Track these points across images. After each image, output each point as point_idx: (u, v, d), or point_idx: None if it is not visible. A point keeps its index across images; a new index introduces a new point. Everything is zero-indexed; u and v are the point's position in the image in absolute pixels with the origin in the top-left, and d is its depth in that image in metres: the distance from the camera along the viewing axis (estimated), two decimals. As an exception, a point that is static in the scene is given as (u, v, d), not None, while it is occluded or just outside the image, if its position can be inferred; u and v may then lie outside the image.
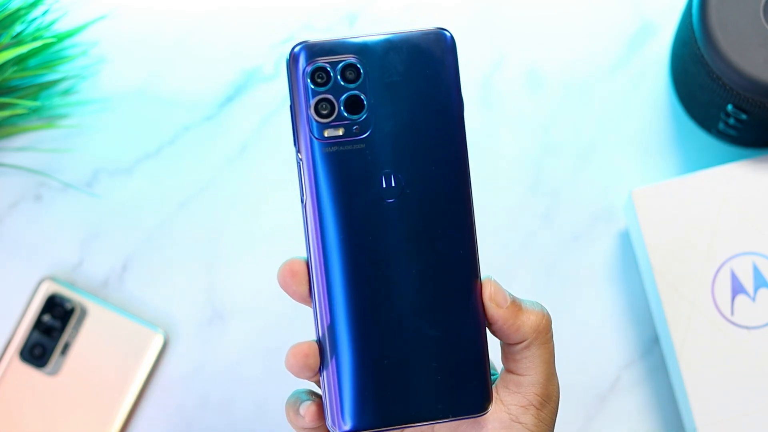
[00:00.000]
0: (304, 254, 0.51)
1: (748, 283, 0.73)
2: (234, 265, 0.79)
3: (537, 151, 0.79)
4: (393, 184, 0.50)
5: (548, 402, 0.53)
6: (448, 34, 0.51)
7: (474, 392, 0.51)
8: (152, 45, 0.81)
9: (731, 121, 0.74)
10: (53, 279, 0.78)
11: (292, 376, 0.51)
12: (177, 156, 0.80)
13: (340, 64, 0.50)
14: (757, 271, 0.73)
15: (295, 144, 0.50)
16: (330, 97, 0.50)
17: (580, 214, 0.79)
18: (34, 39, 0.75)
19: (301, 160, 0.50)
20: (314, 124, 0.50)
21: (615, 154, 0.79)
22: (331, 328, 0.50)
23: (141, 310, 0.78)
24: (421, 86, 0.51)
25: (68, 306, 0.77)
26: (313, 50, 0.50)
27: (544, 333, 0.53)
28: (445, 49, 0.51)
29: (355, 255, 0.50)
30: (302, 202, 0.50)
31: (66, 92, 0.80)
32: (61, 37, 0.77)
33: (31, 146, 0.80)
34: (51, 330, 0.77)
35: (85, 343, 0.77)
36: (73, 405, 0.77)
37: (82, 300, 0.77)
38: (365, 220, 0.50)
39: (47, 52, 0.78)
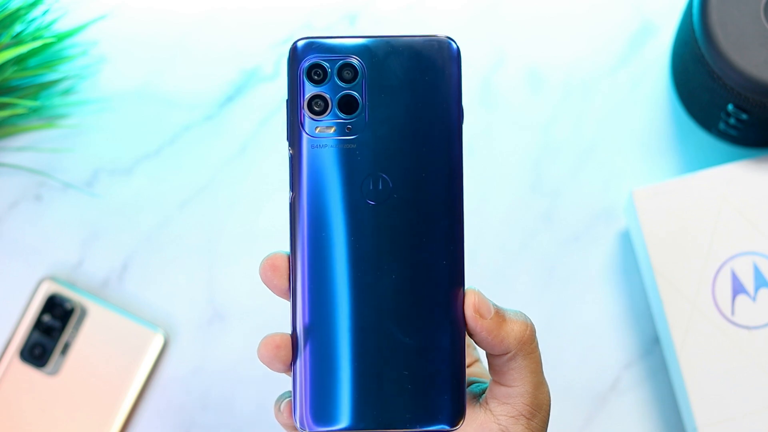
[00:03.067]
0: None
1: (748, 283, 0.73)
2: (234, 265, 0.79)
3: (537, 151, 0.79)
4: (381, 187, 0.50)
5: (539, 411, 0.52)
6: (454, 44, 0.51)
7: (446, 405, 0.50)
8: (152, 45, 0.81)
9: (732, 120, 0.74)
10: (53, 279, 0.78)
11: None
12: (177, 156, 0.80)
13: (339, 63, 0.50)
14: (757, 271, 0.73)
15: (288, 138, 0.50)
16: (325, 94, 0.50)
17: (580, 214, 0.79)
18: (34, 39, 0.75)
19: (292, 155, 0.50)
20: (306, 119, 0.50)
21: (615, 154, 0.79)
22: (306, 325, 0.50)
23: (141, 310, 0.78)
24: (420, 93, 0.50)
25: (68, 306, 0.77)
26: (313, 47, 0.50)
27: (529, 343, 0.52)
28: (449, 58, 0.50)
29: (337, 255, 0.50)
30: (290, 196, 0.50)
31: (66, 92, 0.80)
32: (61, 37, 0.77)
33: (31, 146, 0.80)
34: (51, 330, 0.77)
35: (85, 343, 0.77)
36: (73, 405, 0.77)
37: (82, 300, 0.77)
38: (350, 220, 0.50)
39: (47, 52, 0.78)
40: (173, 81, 0.81)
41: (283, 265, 0.51)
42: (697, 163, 0.79)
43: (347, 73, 0.50)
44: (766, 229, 0.73)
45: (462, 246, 0.51)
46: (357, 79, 0.50)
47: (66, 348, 0.77)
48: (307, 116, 0.50)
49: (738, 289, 0.73)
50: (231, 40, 0.81)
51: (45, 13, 0.76)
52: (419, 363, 0.50)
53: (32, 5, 0.74)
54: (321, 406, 0.50)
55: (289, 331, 0.51)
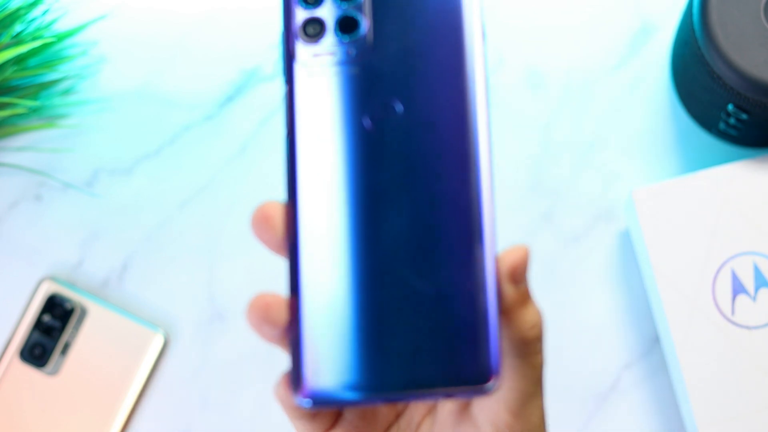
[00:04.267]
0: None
1: (748, 283, 0.73)
2: (234, 265, 0.79)
3: (537, 151, 0.79)
4: (391, 114, 0.44)
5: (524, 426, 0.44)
6: None
7: (477, 360, 0.41)
8: (152, 45, 0.81)
9: (732, 120, 0.74)
10: (53, 279, 0.78)
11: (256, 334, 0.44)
12: (177, 156, 0.80)
13: None
14: (757, 271, 0.73)
15: (283, 74, 0.45)
16: (320, 17, 0.44)
17: (580, 215, 0.79)
18: (34, 39, 0.75)
19: (287, 90, 0.44)
20: (300, 47, 0.44)
21: (615, 155, 0.79)
22: (305, 276, 0.43)
23: (141, 310, 0.78)
24: (431, 12, 0.44)
25: (68, 306, 0.77)
26: None
27: (536, 341, 0.44)
28: None
29: (340, 195, 0.43)
30: (285, 134, 0.44)
31: (66, 92, 0.80)
32: (61, 37, 0.77)
33: (31, 146, 0.80)
34: (51, 330, 0.77)
35: (86, 343, 0.77)
36: (73, 405, 0.77)
37: (82, 300, 0.77)
38: (354, 154, 0.43)
39: (47, 52, 0.78)
40: (173, 81, 0.80)
41: (277, 214, 0.44)
42: (697, 163, 0.79)
43: None
44: (766, 228, 0.73)
45: (493, 177, 0.45)
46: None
47: (66, 348, 0.77)
48: (301, 43, 0.44)
49: (738, 289, 0.73)
50: (231, 40, 0.81)
51: (45, 12, 0.76)
52: (441, 313, 0.42)
53: (32, 5, 0.74)
54: (326, 372, 0.42)
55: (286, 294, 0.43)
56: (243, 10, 0.81)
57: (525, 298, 0.43)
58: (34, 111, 0.79)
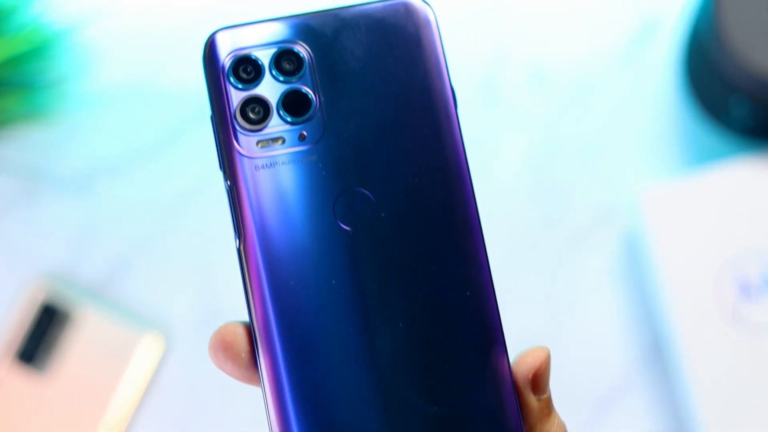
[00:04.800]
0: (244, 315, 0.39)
1: (755, 284, 0.73)
2: (232, 266, 0.78)
3: (541, 149, 0.79)
4: (361, 207, 0.36)
5: None
6: (424, 3, 0.39)
7: None
8: (148, 42, 0.80)
9: (740, 115, 0.74)
10: (49, 280, 0.77)
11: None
12: (174, 155, 0.79)
13: (274, 52, 0.38)
14: (763, 273, 0.73)
15: (221, 166, 0.38)
16: (261, 95, 0.37)
17: (584, 214, 0.78)
18: (29, 36, 0.74)
19: (229, 186, 0.37)
20: (241, 134, 0.37)
21: (619, 153, 0.79)
22: (286, 414, 0.36)
23: (138, 311, 0.78)
24: (392, 75, 0.37)
25: (64, 307, 0.77)
26: (233, 37, 0.38)
27: None
28: (419, 22, 0.38)
29: (316, 311, 0.36)
30: (236, 243, 0.37)
31: (60, 90, 0.79)
32: (55, 35, 0.77)
33: (25, 145, 0.79)
34: (47, 331, 0.77)
35: (82, 344, 0.77)
36: (69, 407, 0.76)
37: (79, 301, 0.77)
38: (328, 259, 0.36)
39: (41, 50, 0.77)
40: (170, 79, 0.80)
41: (240, 340, 0.37)
42: (702, 159, 0.78)
43: (288, 63, 0.38)
44: (772, 228, 0.73)
45: (488, 267, 0.37)
46: (303, 70, 0.37)
47: (62, 349, 0.77)
48: (241, 129, 0.37)
49: (744, 290, 0.73)
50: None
51: (40, 10, 0.76)
52: None
53: (27, 2, 0.74)
54: None
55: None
56: (239, 4, 0.81)
57: (549, 408, 0.37)
58: (29, 109, 0.78)
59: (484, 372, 0.35)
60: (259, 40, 0.38)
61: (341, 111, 0.37)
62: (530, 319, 0.77)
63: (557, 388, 0.77)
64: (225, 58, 0.38)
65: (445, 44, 0.39)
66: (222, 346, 0.37)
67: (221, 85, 0.37)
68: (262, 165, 0.37)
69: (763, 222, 0.73)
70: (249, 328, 0.37)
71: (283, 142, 0.37)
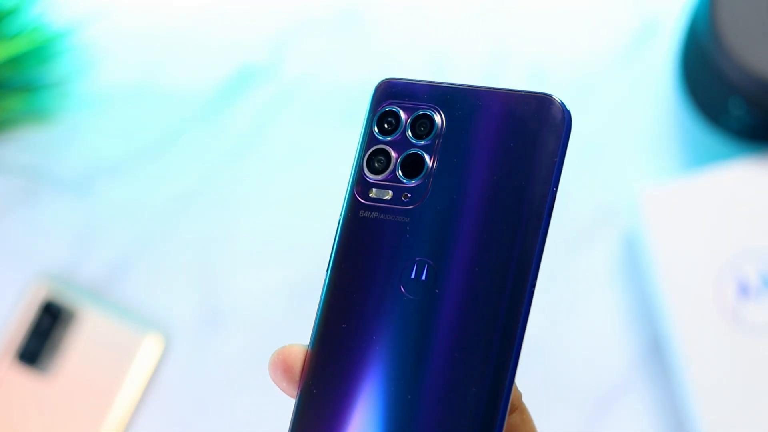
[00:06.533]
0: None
1: (753, 284, 0.72)
2: (232, 266, 0.78)
3: (540, 149, 0.79)
4: (423, 278, 0.39)
5: None
6: (562, 106, 0.40)
7: None
8: (148, 42, 0.80)
9: (738, 116, 0.74)
10: (49, 280, 0.77)
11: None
12: (174, 154, 0.79)
13: (416, 113, 0.40)
14: (762, 273, 0.73)
15: (346, 203, 0.41)
16: (389, 148, 0.40)
17: (584, 214, 0.78)
18: (29, 36, 0.74)
19: (339, 220, 0.41)
20: (364, 178, 0.40)
21: (619, 153, 0.79)
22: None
23: (138, 312, 0.78)
24: (506, 161, 0.39)
25: (65, 307, 0.76)
26: (394, 89, 0.41)
27: None
28: (551, 121, 0.40)
29: (351, 360, 0.39)
30: (328, 267, 0.41)
31: (61, 90, 0.79)
32: (56, 35, 0.77)
33: (25, 145, 0.79)
34: (47, 331, 0.76)
35: (82, 344, 0.77)
36: (69, 407, 0.76)
37: (79, 301, 0.77)
38: (378, 316, 0.39)
39: (42, 50, 0.77)
40: (170, 78, 0.80)
41: (299, 365, 0.40)
42: (701, 160, 0.78)
43: (422, 126, 0.40)
44: (772, 229, 0.73)
45: (513, 375, 0.39)
46: (431, 135, 0.40)
47: (62, 349, 0.76)
48: (364, 174, 0.40)
49: (743, 290, 0.72)
50: (228, 36, 0.80)
51: (40, 10, 0.76)
52: None
53: (27, 3, 0.74)
54: None
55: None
56: (240, 3, 0.80)
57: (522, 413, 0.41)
58: (28, 109, 0.78)
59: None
60: (413, 97, 0.41)
61: (446, 184, 0.39)
62: (531, 319, 0.77)
63: (557, 388, 0.77)
64: (382, 105, 0.41)
65: (567, 150, 0.41)
66: (282, 368, 0.40)
67: (366, 128, 0.41)
68: (365, 212, 0.40)
69: (763, 222, 0.73)
70: (306, 353, 0.40)
71: (391, 197, 0.40)
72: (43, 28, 0.77)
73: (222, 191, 0.79)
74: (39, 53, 0.78)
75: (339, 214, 0.41)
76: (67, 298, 0.77)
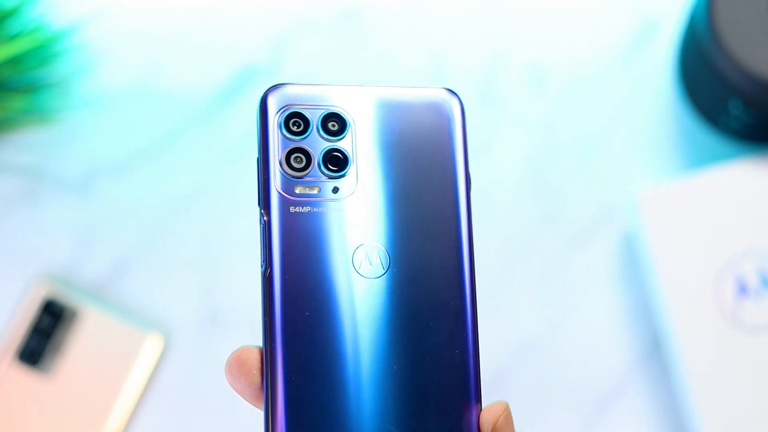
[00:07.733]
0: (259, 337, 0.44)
1: (752, 284, 0.72)
2: (232, 266, 0.78)
3: (540, 150, 0.79)
4: (377, 260, 0.43)
5: None
6: (457, 98, 0.45)
7: None
8: (148, 42, 0.80)
9: (737, 117, 0.74)
10: (50, 280, 0.77)
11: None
12: (175, 154, 0.79)
13: (323, 113, 0.44)
14: (762, 272, 0.72)
15: (259, 202, 0.43)
16: (306, 147, 0.43)
17: (583, 214, 0.78)
18: (30, 37, 0.74)
19: (265, 220, 0.42)
20: (283, 177, 0.43)
21: (618, 154, 0.79)
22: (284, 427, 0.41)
23: (139, 312, 0.78)
24: (419, 151, 0.44)
25: (65, 307, 0.76)
26: (289, 94, 0.44)
27: None
28: (450, 114, 0.44)
29: (323, 344, 0.41)
30: (262, 271, 0.42)
31: (61, 90, 0.79)
32: (56, 35, 0.77)
33: (26, 146, 0.79)
34: (48, 331, 0.76)
35: (83, 344, 0.77)
36: (70, 407, 0.76)
37: (79, 301, 0.77)
38: (339, 300, 0.42)
39: (43, 50, 0.77)
40: (170, 79, 0.80)
41: (253, 358, 0.42)
42: (700, 161, 0.78)
43: (333, 124, 0.44)
44: (771, 229, 0.73)
45: (476, 333, 0.43)
46: (345, 132, 0.44)
47: (63, 349, 0.77)
48: (284, 173, 0.43)
49: (742, 290, 0.72)
50: (228, 36, 0.80)
51: (40, 11, 0.76)
52: None
53: (28, 3, 0.74)
54: None
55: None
56: (240, 4, 0.80)
57: None
58: (29, 110, 0.78)
59: (457, 423, 0.41)
60: (312, 100, 0.44)
61: (371, 175, 0.43)
62: (530, 319, 0.77)
63: (556, 388, 0.77)
64: (280, 109, 0.43)
65: (467, 124, 0.45)
66: (237, 363, 0.42)
67: (271, 133, 0.43)
68: (297, 207, 0.43)
69: (762, 223, 0.73)
70: (262, 352, 0.42)
71: (318, 191, 0.43)
72: (44, 28, 0.77)
73: (222, 191, 0.79)
74: (39, 53, 0.78)
75: (259, 214, 0.42)
76: (67, 297, 0.77)
